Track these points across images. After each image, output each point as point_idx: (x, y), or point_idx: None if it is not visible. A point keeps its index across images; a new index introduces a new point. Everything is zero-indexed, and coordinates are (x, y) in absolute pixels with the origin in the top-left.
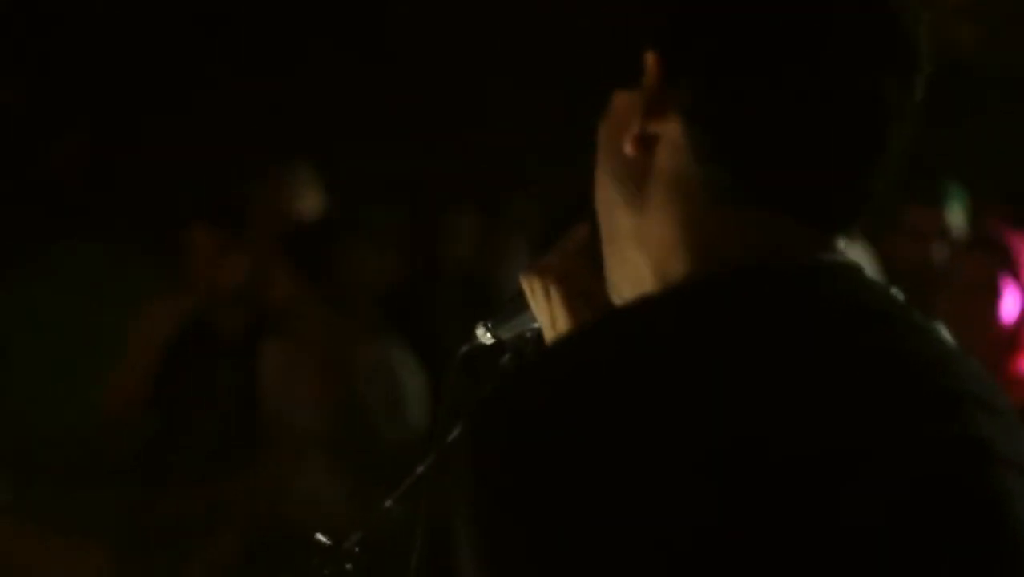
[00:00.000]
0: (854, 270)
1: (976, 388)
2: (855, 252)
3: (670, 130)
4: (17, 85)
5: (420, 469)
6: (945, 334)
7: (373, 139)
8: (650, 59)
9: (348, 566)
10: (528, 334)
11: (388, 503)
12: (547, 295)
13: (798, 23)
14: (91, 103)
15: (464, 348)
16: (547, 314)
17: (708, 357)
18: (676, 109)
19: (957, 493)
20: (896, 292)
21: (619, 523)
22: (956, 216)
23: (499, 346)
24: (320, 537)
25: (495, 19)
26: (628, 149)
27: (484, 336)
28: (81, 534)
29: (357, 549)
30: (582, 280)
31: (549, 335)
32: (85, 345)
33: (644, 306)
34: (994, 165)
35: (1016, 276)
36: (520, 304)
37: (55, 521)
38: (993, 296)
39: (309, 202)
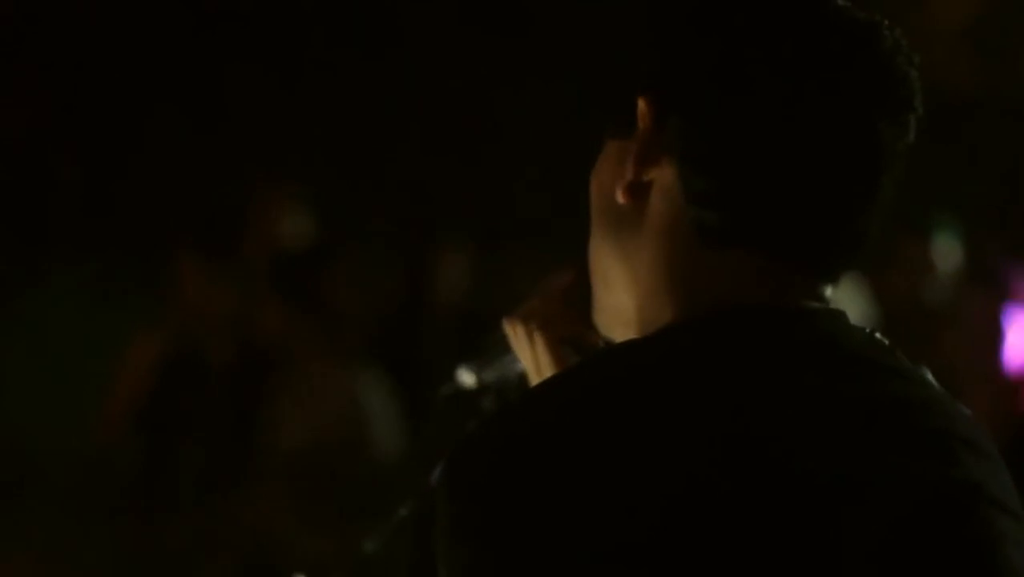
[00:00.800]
0: (840, 316)
1: (964, 431)
2: (846, 292)
3: (663, 174)
4: (15, 110)
5: (402, 511)
6: (931, 378)
7: (366, 170)
8: (641, 104)
9: None
10: (511, 376)
11: (369, 545)
12: (530, 339)
13: (790, 65)
14: (86, 129)
15: (447, 390)
16: (531, 358)
17: (686, 400)
18: (669, 153)
19: (949, 534)
20: (880, 337)
21: (590, 565)
22: (948, 247)
23: (482, 388)
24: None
25: (493, 56)
26: (621, 198)
27: (467, 378)
28: (71, 563)
29: None
30: (566, 324)
31: (534, 379)
32: (76, 373)
33: (627, 350)
34: (986, 194)
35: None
36: (504, 347)
37: (43, 549)
38: (999, 337)
39: (301, 229)
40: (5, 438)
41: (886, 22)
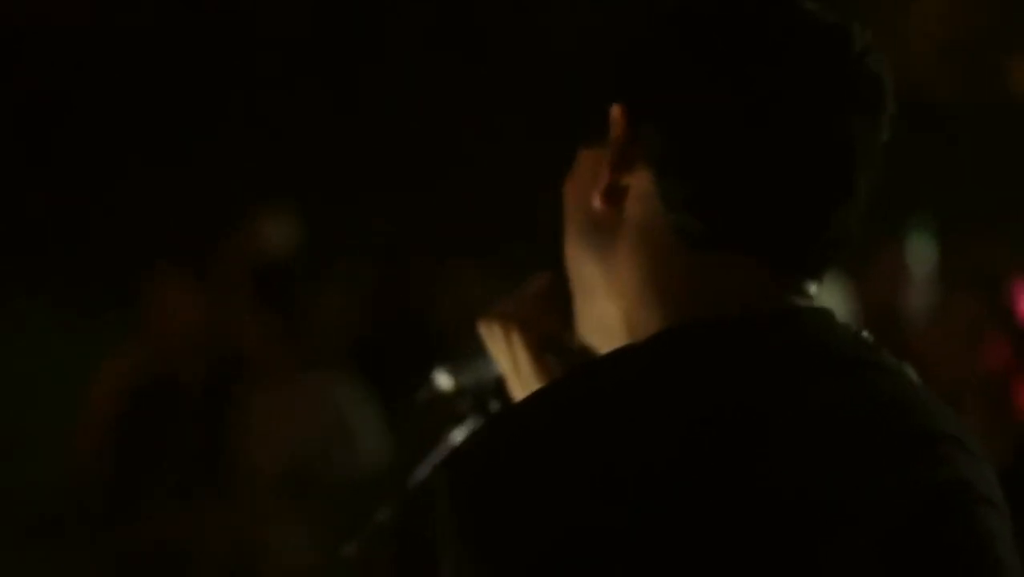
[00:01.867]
0: (825, 314)
1: (951, 429)
2: (828, 293)
3: (639, 181)
4: None
5: (380, 516)
6: (913, 376)
7: (344, 189)
8: (615, 111)
9: None
10: (488, 380)
11: (348, 549)
12: (508, 340)
13: (761, 68)
14: (62, 147)
15: (424, 394)
16: (509, 359)
17: (676, 410)
18: (644, 159)
19: (943, 539)
20: (866, 335)
21: (604, 569)
22: (926, 251)
23: (459, 392)
24: None
25: (469, 73)
26: (596, 203)
27: (443, 382)
28: None
29: None
30: (542, 324)
31: (512, 380)
32: (51, 393)
33: (619, 358)
34: (965, 197)
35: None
36: (480, 350)
37: (16, 569)
38: (976, 341)
39: (282, 246)
40: None
41: (856, 24)
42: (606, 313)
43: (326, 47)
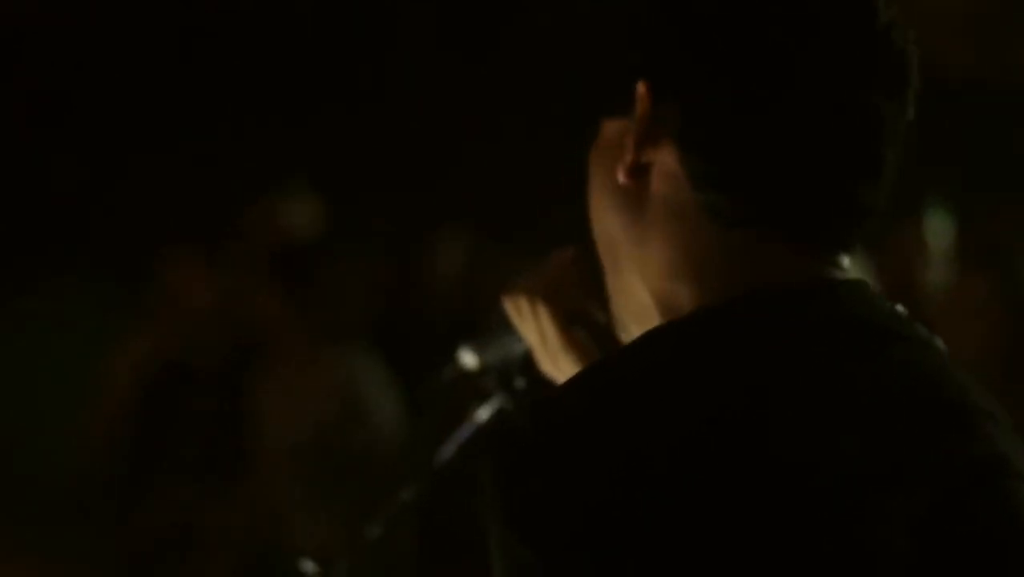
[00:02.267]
0: (861, 286)
1: (986, 403)
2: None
3: (664, 157)
4: (8, 116)
5: (405, 495)
6: (944, 349)
7: (362, 166)
8: (640, 87)
9: None
10: (514, 357)
11: (373, 529)
12: (534, 313)
13: (787, 43)
14: (79, 130)
15: (448, 372)
16: (536, 332)
17: (724, 387)
18: (668, 136)
19: (980, 511)
20: (900, 308)
21: (638, 551)
22: (943, 229)
23: (484, 369)
24: (305, 564)
25: (476, 65)
26: (622, 178)
27: (468, 360)
28: (64, 565)
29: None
30: (568, 297)
31: (540, 353)
32: (65, 381)
33: (659, 338)
34: (982, 176)
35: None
36: (505, 327)
37: (37, 553)
38: (988, 319)
39: (302, 225)
40: None
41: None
42: (635, 288)
43: (349, 26)
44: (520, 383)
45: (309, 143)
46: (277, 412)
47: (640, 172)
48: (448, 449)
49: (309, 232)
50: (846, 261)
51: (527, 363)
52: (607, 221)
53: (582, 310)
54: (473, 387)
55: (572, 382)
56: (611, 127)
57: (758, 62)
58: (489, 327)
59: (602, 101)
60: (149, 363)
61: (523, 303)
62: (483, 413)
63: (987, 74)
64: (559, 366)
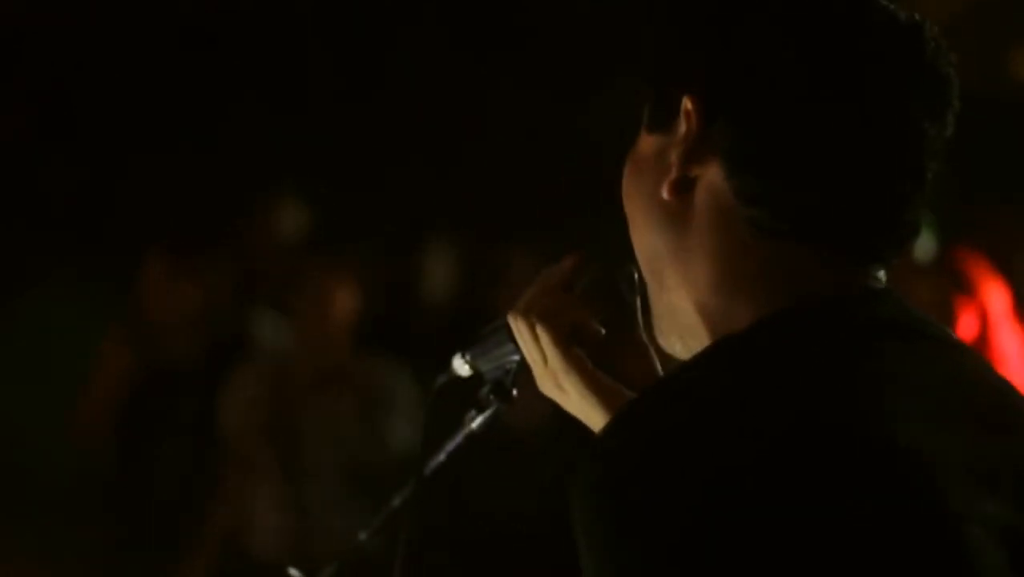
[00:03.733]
0: (899, 298)
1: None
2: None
3: (709, 173)
4: (4, 114)
5: (397, 502)
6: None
7: (358, 171)
8: (688, 103)
9: None
10: (508, 366)
11: (363, 535)
12: (534, 336)
13: (834, 61)
14: (76, 132)
15: (442, 379)
16: (536, 353)
17: (805, 394)
18: (714, 151)
19: None
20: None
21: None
22: (925, 243)
23: (478, 377)
24: (292, 572)
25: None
26: (666, 195)
27: (461, 367)
28: (50, 564)
29: None
30: (567, 314)
31: (541, 374)
32: (60, 382)
33: (726, 351)
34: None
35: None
36: (500, 335)
37: (23, 552)
38: (948, 319)
39: (294, 231)
40: None
41: (928, 23)
42: (682, 304)
43: (347, 28)
44: (514, 391)
45: (309, 142)
46: (262, 417)
47: (684, 187)
48: (439, 457)
49: (297, 239)
50: (882, 275)
51: (520, 371)
52: (651, 238)
53: (581, 324)
54: (467, 394)
55: (656, 394)
56: (648, 143)
57: (809, 78)
58: (483, 334)
59: (636, 113)
60: (130, 366)
61: (523, 326)
62: (475, 421)
63: (983, 78)
64: (562, 387)
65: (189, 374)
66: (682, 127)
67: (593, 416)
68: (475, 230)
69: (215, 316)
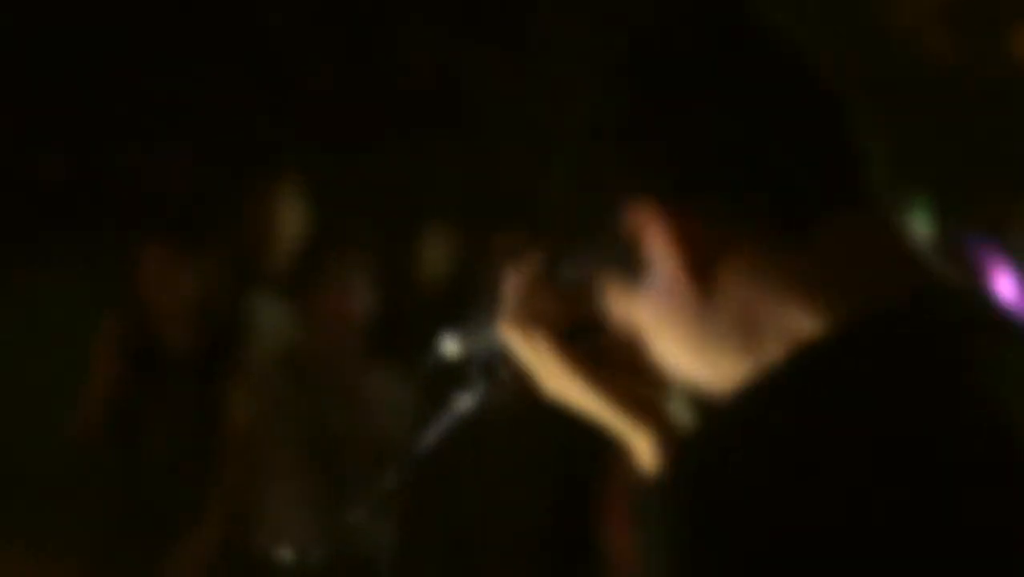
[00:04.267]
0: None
1: None
2: None
3: (698, 234)
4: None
5: (385, 483)
6: None
7: (353, 161)
8: (646, 213)
9: None
10: (497, 346)
11: (353, 516)
12: (530, 345)
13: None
14: (72, 120)
15: (430, 360)
16: (536, 360)
17: (901, 392)
18: (702, 220)
19: None
20: None
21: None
22: (920, 222)
23: (467, 359)
24: (282, 551)
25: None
26: (689, 283)
27: (451, 349)
28: (53, 552)
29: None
30: (558, 311)
31: (545, 380)
32: (51, 371)
33: (810, 357)
34: (959, 168)
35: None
36: (490, 317)
37: (27, 540)
38: None
39: (294, 219)
40: None
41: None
42: (722, 352)
43: (343, 21)
44: (504, 373)
45: (307, 142)
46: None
47: (704, 270)
48: (427, 438)
49: (297, 228)
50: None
51: (510, 353)
52: (660, 309)
53: (573, 320)
54: (454, 376)
55: (747, 395)
56: (657, 213)
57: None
58: (473, 316)
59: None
60: (126, 357)
61: (515, 337)
62: (464, 402)
63: (970, 64)
64: (567, 390)
65: (186, 364)
66: (656, 238)
67: (601, 413)
68: (472, 218)
69: (213, 305)
